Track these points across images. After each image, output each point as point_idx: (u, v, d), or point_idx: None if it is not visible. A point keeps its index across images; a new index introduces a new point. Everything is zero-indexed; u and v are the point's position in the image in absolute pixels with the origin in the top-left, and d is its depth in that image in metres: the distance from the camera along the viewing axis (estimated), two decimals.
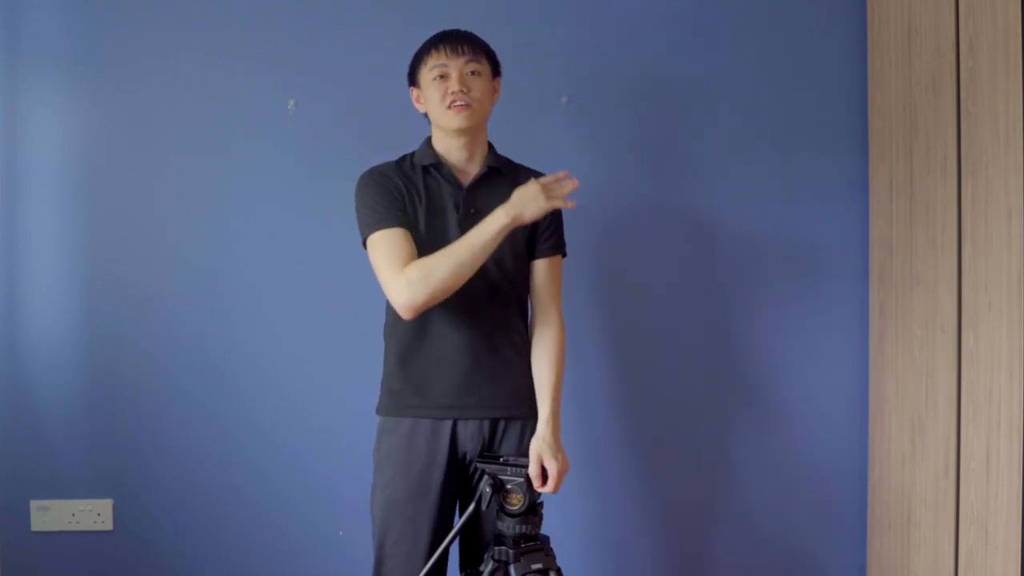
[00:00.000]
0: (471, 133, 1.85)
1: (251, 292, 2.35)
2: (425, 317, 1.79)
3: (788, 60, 2.41)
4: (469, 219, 1.83)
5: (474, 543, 1.90)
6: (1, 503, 2.33)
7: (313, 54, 2.35)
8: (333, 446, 2.34)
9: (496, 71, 1.89)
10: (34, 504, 2.34)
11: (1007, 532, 1.82)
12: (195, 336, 2.34)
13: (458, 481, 1.86)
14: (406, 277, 1.74)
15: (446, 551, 1.79)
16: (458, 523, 1.79)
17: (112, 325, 2.34)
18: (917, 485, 2.15)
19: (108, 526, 2.35)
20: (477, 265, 1.74)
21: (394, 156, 1.91)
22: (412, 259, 1.77)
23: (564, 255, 1.95)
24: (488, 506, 1.71)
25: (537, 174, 1.93)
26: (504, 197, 1.83)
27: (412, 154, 1.91)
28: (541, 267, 1.90)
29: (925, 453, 2.12)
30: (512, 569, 1.71)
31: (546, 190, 1.75)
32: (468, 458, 1.85)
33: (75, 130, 2.34)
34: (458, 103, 1.80)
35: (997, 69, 1.84)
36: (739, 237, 2.40)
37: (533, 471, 1.73)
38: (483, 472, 1.76)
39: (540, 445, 1.76)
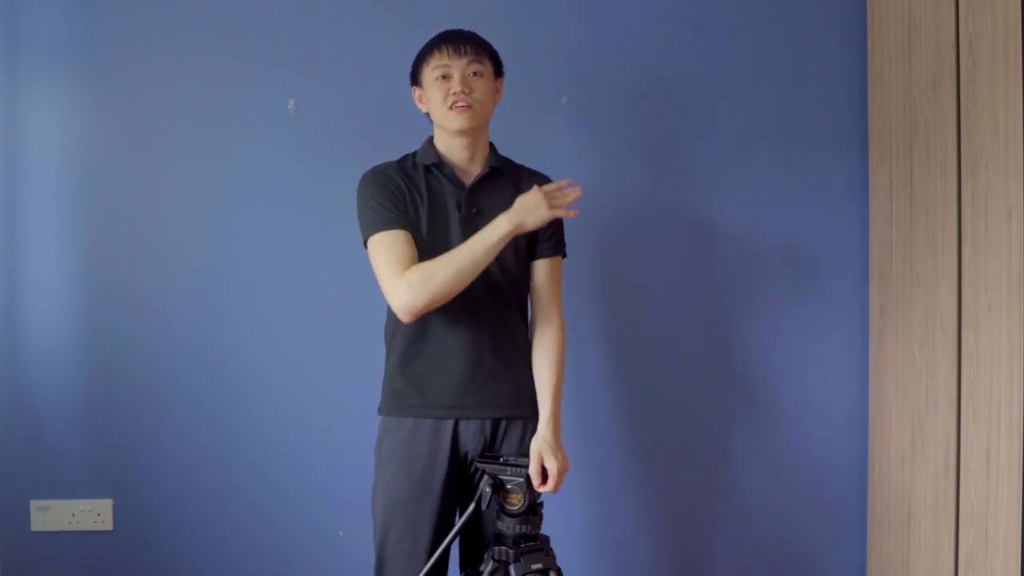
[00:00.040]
0: (473, 134, 1.85)
1: (251, 292, 2.35)
2: (427, 317, 1.80)
3: (788, 60, 2.41)
4: (471, 219, 1.83)
5: (475, 543, 1.90)
6: (1, 503, 2.33)
7: (313, 54, 2.35)
8: (333, 446, 2.34)
9: (499, 71, 1.89)
10: (34, 504, 2.34)
11: (1007, 532, 1.82)
12: (195, 336, 2.34)
13: (459, 481, 1.86)
14: (406, 281, 1.74)
15: (446, 551, 1.79)
16: (458, 523, 1.79)
17: (112, 325, 2.34)
18: (917, 485, 2.15)
19: (108, 526, 2.35)
20: (478, 271, 1.75)
21: (394, 156, 1.91)
22: (413, 262, 1.77)
23: (564, 256, 1.95)
24: (488, 506, 1.71)
25: (539, 175, 1.94)
26: (506, 197, 1.84)
27: (414, 154, 1.91)
28: (541, 267, 1.90)
29: (925, 453, 2.12)
30: (512, 569, 1.71)
31: (549, 198, 1.75)
32: (470, 458, 1.85)
33: (75, 130, 2.34)
34: (460, 104, 1.80)
35: (997, 69, 1.84)
36: (739, 237, 2.40)
37: (533, 470, 1.73)
38: (483, 472, 1.76)
39: (540, 444, 1.76)
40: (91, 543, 2.35)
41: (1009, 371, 1.82)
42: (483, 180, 1.87)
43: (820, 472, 2.42)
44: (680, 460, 2.41)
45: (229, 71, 2.34)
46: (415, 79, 1.89)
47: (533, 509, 1.75)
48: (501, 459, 1.79)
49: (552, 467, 1.74)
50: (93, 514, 2.34)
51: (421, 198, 1.84)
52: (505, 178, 1.90)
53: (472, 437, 1.84)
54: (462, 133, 1.84)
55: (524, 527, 1.73)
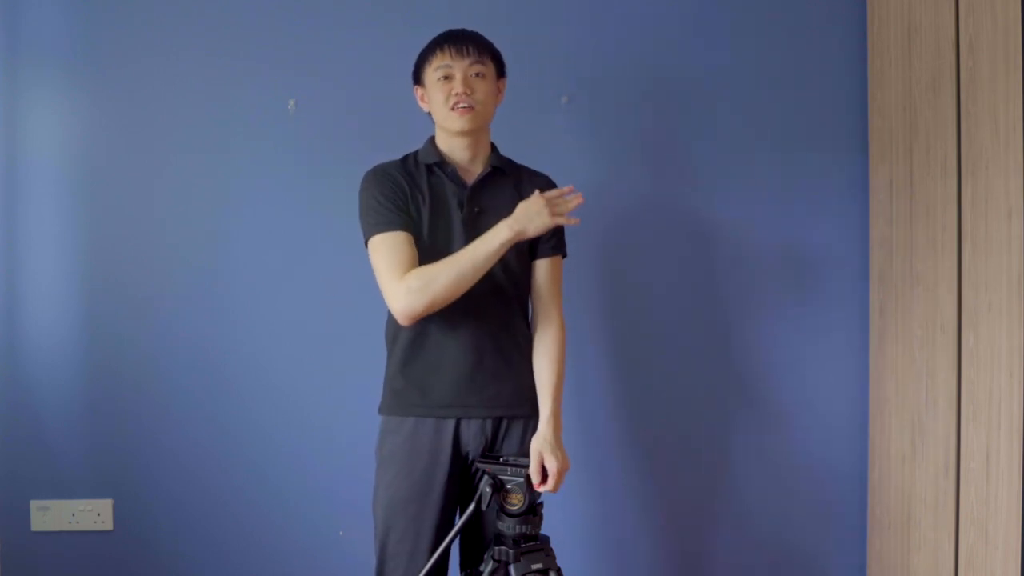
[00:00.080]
0: (474, 134, 1.86)
1: (251, 292, 2.35)
2: (428, 317, 1.79)
3: (788, 60, 2.41)
4: (473, 218, 1.83)
5: (475, 543, 1.90)
6: (1, 503, 2.33)
7: (313, 54, 2.35)
8: (333, 446, 2.34)
9: (501, 72, 1.89)
10: (34, 504, 2.34)
11: (1007, 532, 1.82)
12: (195, 336, 2.34)
13: (461, 481, 1.86)
14: (406, 285, 1.74)
15: (447, 551, 1.79)
16: (458, 523, 1.79)
17: (112, 325, 2.34)
18: (917, 485, 2.15)
19: (108, 526, 2.35)
20: (477, 277, 1.75)
21: (393, 156, 1.91)
22: (413, 265, 1.77)
23: (564, 255, 1.95)
24: (488, 506, 1.71)
25: (540, 175, 1.94)
26: (507, 197, 1.84)
27: (416, 153, 1.91)
28: (542, 267, 1.90)
29: (925, 453, 2.12)
30: (512, 569, 1.71)
31: (550, 205, 1.75)
32: (471, 457, 1.85)
33: (75, 130, 2.34)
34: (461, 105, 1.80)
35: (997, 69, 1.84)
36: (739, 237, 2.40)
37: (533, 469, 1.73)
38: (483, 472, 1.76)
39: (541, 444, 1.76)
40: (91, 543, 2.35)
41: (1009, 371, 1.82)
42: (485, 179, 1.87)
43: (820, 472, 2.42)
44: (680, 460, 2.41)
45: (229, 71, 2.34)
46: (417, 78, 1.89)
47: (533, 509, 1.75)
48: (501, 459, 1.79)
49: (552, 466, 1.74)
50: (93, 514, 2.34)
51: (423, 197, 1.84)
52: (507, 178, 1.90)
53: (473, 436, 1.84)
54: (463, 134, 1.84)
55: (524, 527, 1.73)
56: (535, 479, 1.74)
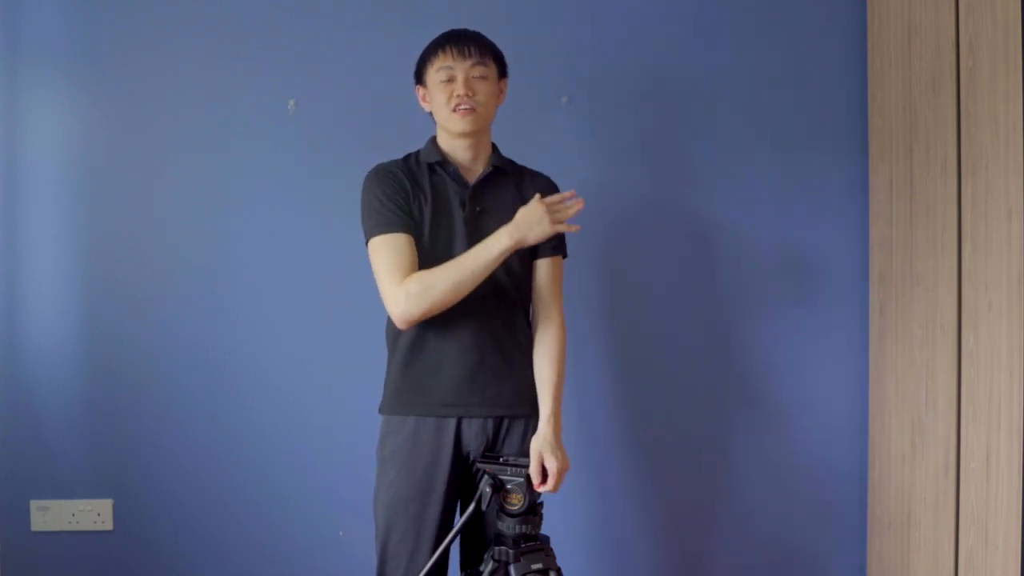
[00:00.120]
0: (476, 135, 1.86)
1: (251, 292, 2.35)
2: (430, 317, 1.80)
3: (788, 60, 2.41)
4: (475, 217, 1.84)
5: (476, 543, 1.90)
6: (1, 503, 2.33)
7: (313, 54, 2.35)
8: (333, 446, 2.34)
9: (503, 72, 1.89)
10: (34, 504, 2.34)
11: (1007, 532, 1.82)
12: (195, 336, 2.34)
13: (462, 480, 1.86)
14: (405, 290, 1.75)
15: (447, 550, 1.79)
16: (458, 523, 1.79)
17: (112, 325, 2.34)
18: (917, 485, 2.15)
19: (108, 526, 2.35)
20: (476, 284, 1.76)
21: (393, 156, 1.91)
22: (412, 268, 1.78)
23: (565, 256, 1.95)
24: (488, 506, 1.71)
25: (541, 176, 1.94)
26: (509, 197, 1.85)
27: (417, 152, 1.91)
28: (542, 267, 1.90)
29: (925, 453, 2.12)
30: (512, 569, 1.71)
31: (551, 211, 1.75)
32: (472, 457, 1.85)
33: (75, 130, 2.34)
34: (463, 107, 1.81)
35: (997, 69, 1.84)
36: (739, 237, 2.40)
37: (533, 469, 1.73)
38: (483, 472, 1.76)
39: (541, 443, 1.76)
40: (91, 543, 2.35)
41: (1009, 371, 1.82)
42: (486, 179, 1.87)
43: (820, 472, 2.42)
44: (680, 460, 2.41)
45: (229, 71, 2.34)
46: (419, 78, 1.89)
47: (533, 509, 1.75)
48: (501, 459, 1.79)
49: (552, 466, 1.74)
50: (93, 514, 2.34)
51: (425, 196, 1.84)
52: (508, 178, 1.90)
53: (474, 436, 1.84)
54: (465, 135, 1.84)
55: (524, 527, 1.73)
56: (535, 479, 1.74)
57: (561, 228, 1.77)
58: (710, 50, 2.40)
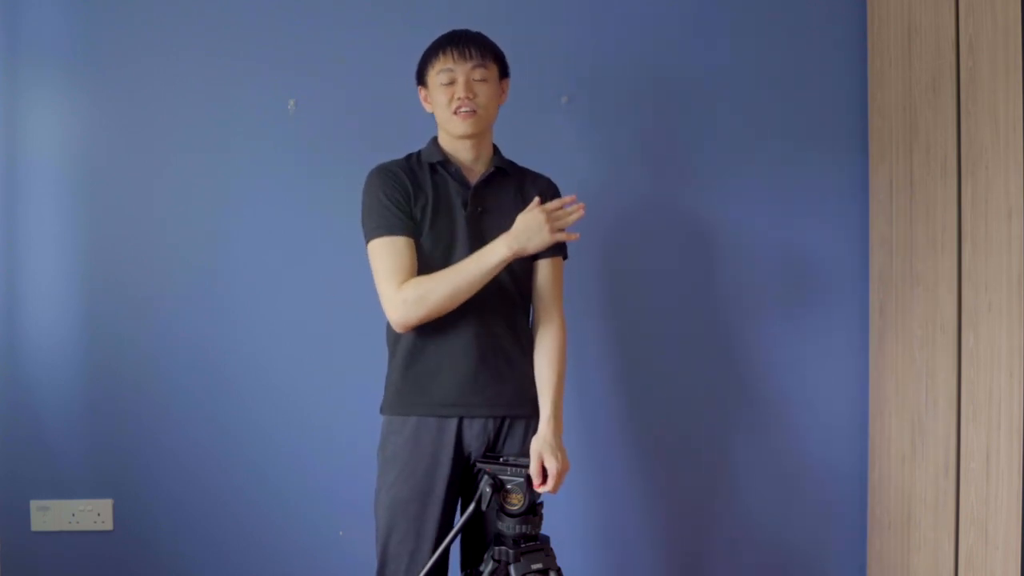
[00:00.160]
0: (477, 137, 1.86)
1: (251, 292, 2.35)
2: None
3: (788, 60, 2.41)
4: (476, 217, 1.84)
5: (476, 543, 1.90)
6: (1, 503, 2.33)
7: (313, 54, 2.35)
8: (333, 446, 2.34)
9: (504, 72, 1.90)
10: (34, 504, 2.34)
11: (1007, 532, 1.82)
12: (195, 336, 2.34)
13: (462, 480, 1.86)
14: (402, 296, 1.76)
15: (447, 550, 1.79)
16: (458, 523, 1.79)
17: (112, 325, 2.34)
18: (917, 485, 2.15)
19: (108, 526, 2.35)
20: (473, 292, 1.77)
21: (393, 156, 1.91)
22: (412, 272, 1.78)
23: (565, 257, 1.95)
24: (488, 506, 1.71)
25: (542, 178, 1.95)
26: (510, 198, 1.86)
27: (419, 152, 1.91)
28: (543, 268, 1.90)
29: (925, 453, 2.12)
30: (512, 569, 1.71)
31: (551, 220, 1.75)
32: (472, 458, 1.85)
33: (75, 130, 2.34)
34: (464, 109, 1.81)
35: (997, 69, 1.84)
36: (739, 237, 2.40)
37: (533, 469, 1.73)
38: (483, 472, 1.76)
39: (541, 444, 1.76)
40: (91, 543, 2.35)
41: (1009, 371, 1.82)
42: (488, 179, 1.88)
43: (820, 472, 2.42)
44: (680, 460, 2.41)
45: (229, 71, 2.34)
46: (420, 79, 1.89)
47: (533, 509, 1.75)
48: (501, 459, 1.79)
49: (552, 467, 1.74)
50: (93, 514, 2.34)
51: (426, 196, 1.84)
52: (509, 178, 1.90)
53: (476, 436, 1.84)
54: (466, 137, 1.85)
55: (524, 527, 1.73)
56: (535, 480, 1.74)
57: (560, 237, 1.77)
58: (710, 50, 2.40)
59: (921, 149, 2.13)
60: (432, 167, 1.87)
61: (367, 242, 1.83)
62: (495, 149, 1.93)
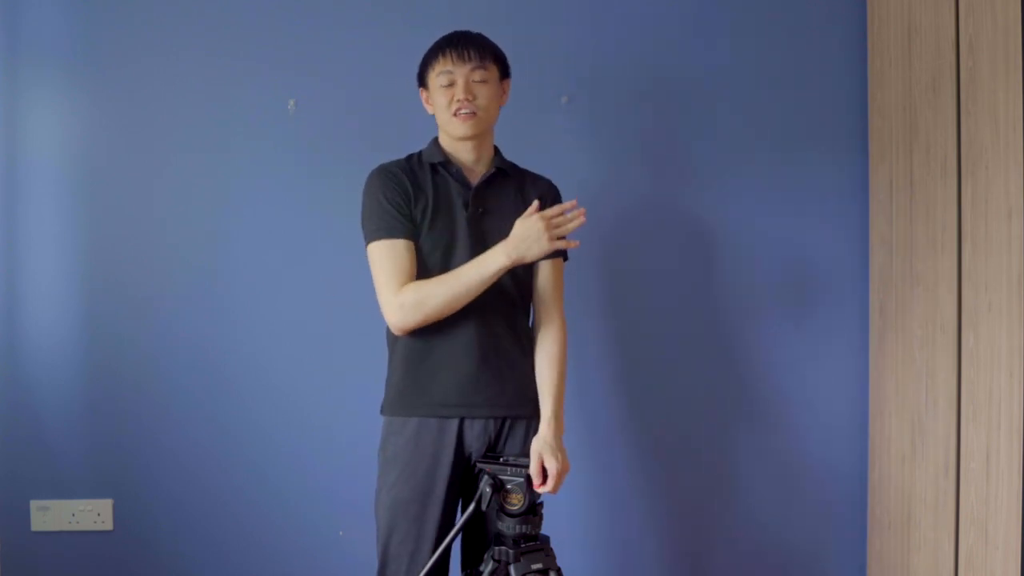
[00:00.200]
0: (477, 139, 1.86)
1: (251, 292, 2.35)
2: None
3: (788, 60, 2.41)
4: (477, 218, 1.84)
5: (477, 543, 1.90)
6: (1, 503, 2.33)
7: (313, 54, 2.35)
8: (333, 446, 2.34)
9: (505, 73, 1.89)
10: (34, 504, 2.34)
11: (1007, 532, 1.82)
12: (195, 336, 2.34)
13: (463, 481, 1.86)
14: (400, 300, 1.77)
15: (447, 550, 1.79)
16: (458, 523, 1.79)
17: (112, 325, 2.34)
18: (917, 485, 2.15)
19: (108, 526, 2.35)
20: (471, 298, 1.77)
21: (393, 156, 1.91)
22: (411, 275, 1.79)
23: (566, 258, 1.95)
24: (488, 506, 1.71)
25: (543, 180, 1.95)
26: (511, 199, 1.86)
27: (420, 152, 1.91)
28: (543, 269, 1.90)
29: (925, 453, 2.12)
30: (512, 569, 1.71)
31: (549, 227, 1.74)
32: (473, 458, 1.85)
33: (75, 130, 2.34)
34: (463, 111, 1.81)
35: (997, 69, 1.84)
36: (739, 237, 2.40)
37: (534, 470, 1.73)
38: (483, 472, 1.76)
39: (541, 444, 1.76)
40: (91, 543, 2.35)
41: (1009, 371, 1.82)
42: (489, 180, 1.87)
43: (820, 472, 2.42)
44: (681, 460, 2.41)
45: (229, 71, 2.34)
46: (422, 81, 1.89)
47: (533, 509, 1.75)
48: (501, 459, 1.79)
49: (552, 468, 1.73)
50: (93, 514, 2.34)
51: (427, 197, 1.84)
52: (510, 179, 1.90)
53: (476, 437, 1.84)
54: (466, 138, 1.85)
55: (524, 527, 1.73)
56: (535, 480, 1.74)
57: (560, 245, 1.76)
58: (710, 50, 2.40)
59: (921, 149, 2.13)
60: (433, 167, 1.87)
61: (367, 244, 1.83)
62: (496, 150, 1.93)
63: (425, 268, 1.82)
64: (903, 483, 2.21)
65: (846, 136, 2.41)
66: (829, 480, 2.42)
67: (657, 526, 2.43)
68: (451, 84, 1.82)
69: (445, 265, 1.82)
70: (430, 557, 1.79)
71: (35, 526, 2.34)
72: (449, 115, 1.82)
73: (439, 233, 1.83)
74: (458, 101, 1.81)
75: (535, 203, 1.79)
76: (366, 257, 1.84)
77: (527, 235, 1.74)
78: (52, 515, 2.34)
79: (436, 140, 1.91)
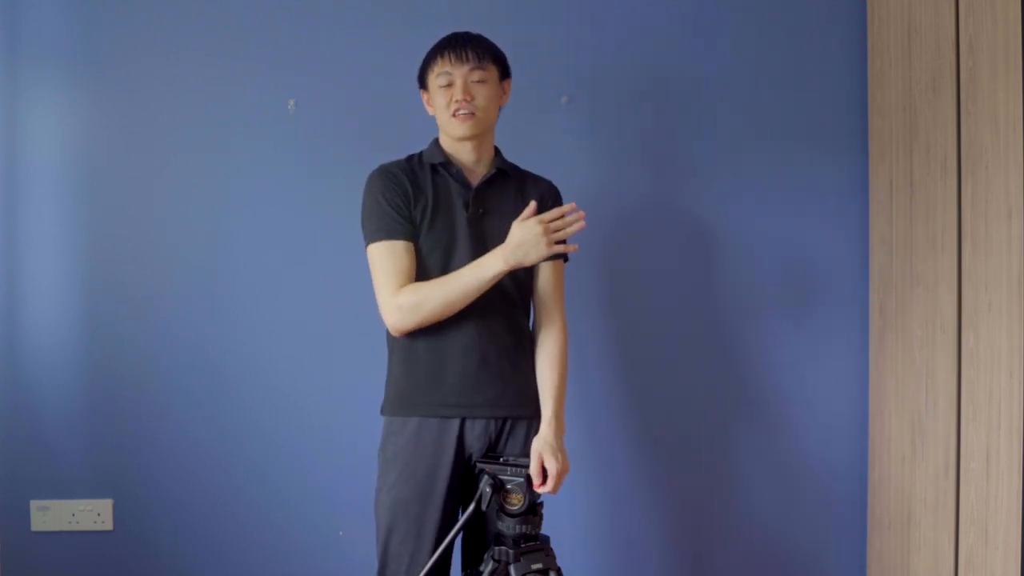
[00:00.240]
0: (477, 139, 1.86)
1: (251, 292, 2.35)
2: None
3: (788, 60, 2.41)
4: (478, 218, 1.84)
5: (477, 543, 1.90)
6: (1, 503, 2.33)
7: (313, 54, 2.35)
8: (333, 446, 2.34)
9: (505, 73, 1.89)
10: (34, 504, 2.34)
11: (1007, 532, 1.82)
12: (195, 336, 2.34)
13: (464, 481, 1.86)
14: (398, 301, 1.77)
15: (447, 550, 1.79)
16: (458, 523, 1.79)
17: (112, 325, 2.34)
18: (917, 485, 2.15)
19: (108, 526, 2.35)
20: (469, 301, 1.77)
21: (393, 156, 1.91)
22: (410, 276, 1.79)
23: (566, 259, 1.95)
24: (488, 506, 1.71)
25: (543, 181, 1.95)
26: (511, 199, 1.86)
27: (421, 152, 1.91)
28: (543, 270, 1.90)
29: (925, 453, 2.12)
30: (512, 569, 1.71)
31: (548, 231, 1.73)
32: (474, 459, 1.85)
33: (75, 130, 2.34)
34: (462, 112, 1.81)
35: (997, 69, 1.84)
36: (739, 237, 2.40)
37: (534, 470, 1.73)
38: (483, 472, 1.76)
39: (541, 445, 1.76)
40: (91, 543, 2.35)
41: (1009, 371, 1.82)
42: (490, 181, 1.88)
43: (820, 472, 2.42)
44: (681, 460, 2.41)
45: (229, 71, 2.34)
46: (422, 83, 1.90)
47: (533, 509, 1.75)
48: (501, 459, 1.79)
49: (552, 468, 1.73)
50: (93, 514, 2.34)
51: (427, 198, 1.84)
52: (510, 180, 1.91)
53: (477, 437, 1.84)
54: (465, 139, 1.85)
55: (524, 527, 1.73)
56: (535, 480, 1.74)
57: (558, 250, 1.75)
58: (710, 50, 2.40)
59: (921, 149, 2.13)
60: (433, 168, 1.87)
61: (366, 245, 1.83)
62: (497, 151, 1.93)
63: (425, 269, 1.82)
64: (903, 483, 2.22)
65: (846, 136, 2.41)
66: (829, 480, 2.42)
67: (657, 526, 2.43)
68: (450, 85, 1.82)
69: (445, 266, 1.82)
70: (430, 557, 1.79)
71: (35, 526, 2.34)
72: (448, 116, 1.83)
73: (439, 234, 1.83)
74: (456, 102, 1.81)
75: (532, 205, 1.77)
76: (366, 258, 1.84)
77: (525, 240, 1.74)
78: (52, 515, 2.34)
79: (437, 141, 1.91)
